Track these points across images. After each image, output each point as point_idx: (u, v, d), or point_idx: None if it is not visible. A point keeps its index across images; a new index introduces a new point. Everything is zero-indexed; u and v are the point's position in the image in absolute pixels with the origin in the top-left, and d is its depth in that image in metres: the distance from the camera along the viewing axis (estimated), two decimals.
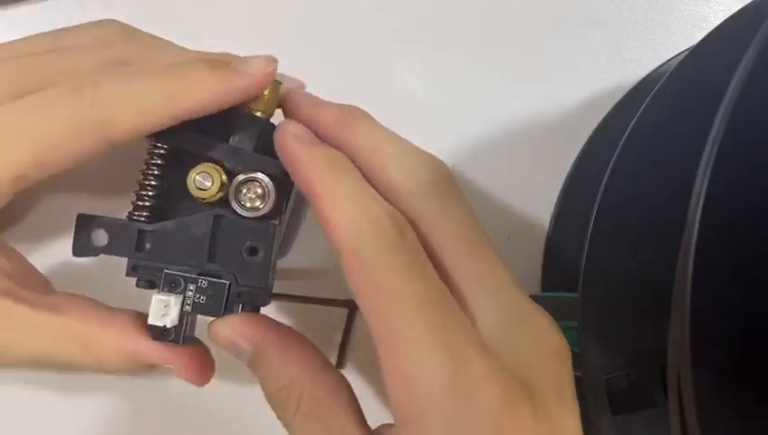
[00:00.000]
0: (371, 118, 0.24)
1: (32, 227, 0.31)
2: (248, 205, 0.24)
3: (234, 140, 0.24)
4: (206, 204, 0.24)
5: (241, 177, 0.24)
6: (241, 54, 0.26)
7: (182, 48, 0.26)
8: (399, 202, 0.22)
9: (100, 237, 0.24)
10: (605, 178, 0.26)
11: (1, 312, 0.24)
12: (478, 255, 0.22)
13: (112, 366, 0.25)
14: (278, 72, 0.25)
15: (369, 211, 0.21)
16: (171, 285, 0.24)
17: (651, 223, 0.23)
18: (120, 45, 0.24)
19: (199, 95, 0.22)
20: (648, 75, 0.33)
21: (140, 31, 0.26)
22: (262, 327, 0.23)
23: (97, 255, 0.25)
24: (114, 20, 0.26)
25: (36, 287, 0.25)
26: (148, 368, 0.25)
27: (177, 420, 0.31)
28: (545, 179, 0.33)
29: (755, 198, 0.16)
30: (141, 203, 0.24)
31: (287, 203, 0.25)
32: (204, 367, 0.25)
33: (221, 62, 0.23)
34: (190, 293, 0.24)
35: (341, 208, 0.21)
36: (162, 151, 0.24)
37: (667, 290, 0.17)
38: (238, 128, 0.24)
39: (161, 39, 0.26)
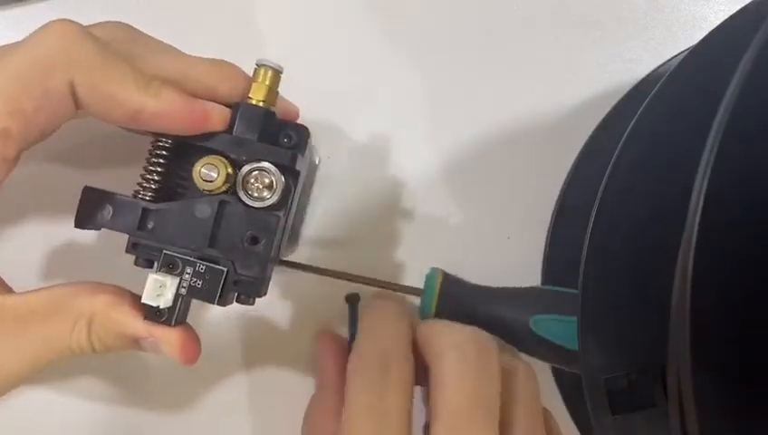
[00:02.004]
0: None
1: (30, 207, 0.31)
2: (256, 194, 0.24)
3: (237, 131, 0.24)
4: (211, 195, 0.24)
5: (248, 167, 0.24)
6: (236, 56, 0.26)
7: (183, 53, 0.26)
8: None
9: (104, 212, 0.24)
10: (605, 177, 0.26)
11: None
12: None
13: (106, 345, 0.25)
14: (271, 61, 0.25)
15: None
16: (169, 266, 0.24)
17: (651, 223, 0.23)
18: (122, 45, 0.24)
19: (155, 100, 0.23)
20: (648, 75, 0.33)
21: (145, 34, 0.26)
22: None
23: (99, 229, 0.25)
24: (120, 22, 0.26)
25: None
26: (132, 344, 0.25)
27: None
28: (545, 179, 0.33)
29: (755, 198, 0.16)
30: (147, 185, 0.25)
31: (293, 198, 0.25)
32: (189, 347, 0.25)
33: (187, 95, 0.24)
34: (187, 276, 0.24)
35: None
36: (166, 144, 0.25)
37: (667, 290, 0.17)
38: (241, 118, 0.24)
39: (165, 43, 0.26)
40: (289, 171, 0.24)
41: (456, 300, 0.29)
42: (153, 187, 0.25)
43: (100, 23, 0.25)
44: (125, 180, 0.26)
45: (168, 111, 0.23)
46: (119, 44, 0.24)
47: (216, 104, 0.24)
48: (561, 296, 0.28)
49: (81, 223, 0.25)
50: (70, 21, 0.23)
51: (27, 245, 0.31)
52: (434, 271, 0.29)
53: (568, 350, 0.27)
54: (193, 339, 0.25)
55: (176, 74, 0.25)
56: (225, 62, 0.26)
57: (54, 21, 0.23)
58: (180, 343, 0.24)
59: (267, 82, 0.25)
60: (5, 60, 0.22)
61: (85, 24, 0.24)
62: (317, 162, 0.30)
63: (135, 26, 0.26)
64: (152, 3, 0.32)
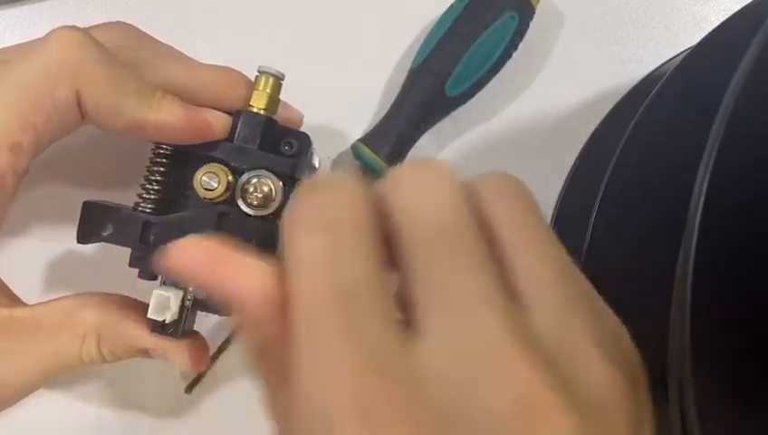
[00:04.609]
0: None
1: (34, 218, 0.31)
2: (255, 203, 0.24)
3: (238, 139, 0.24)
4: (212, 203, 0.24)
5: (247, 175, 0.24)
6: (237, 57, 0.26)
7: (189, 58, 0.26)
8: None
9: (106, 227, 0.24)
10: (605, 177, 0.26)
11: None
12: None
13: (115, 356, 0.25)
14: (272, 68, 0.25)
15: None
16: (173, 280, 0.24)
17: (651, 223, 0.23)
18: (128, 49, 0.24)
19: (158, 113, 0.23)
20: (648, 75, 0.33)
21: (149, 36, 0.26)
22: None
23: (100, 242, 0.25)
24: (123, 22, 0.26)
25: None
26: (141, 354, 0.25)
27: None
28: (545, 179, 0.33)
29: (755, 198, 0.16)
30: (147, 196, 0.25)
31: None
32: (198, 356, 0.25)
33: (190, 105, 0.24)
34: (191, 288, 0.24)
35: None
36: (167, 152, 0.25)
37: (667, 290, 0.17)
38: (242, 126, 0.24)
39: (168, 46, 0.26)
40: (289, 178, 0.24)
41: (391, 144, 0.30)
42: (153, 197, 0.25)
43: (106, 24, 0.25)
44: (127, 186, 0.26)
45: (170, 122, 0.23)
46: (124, 49, 0.24)
47: (217, 113, 0.24)
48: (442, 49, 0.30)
49: (82, 238, 0.25)
50: (74, 28, 0.23)
51: (29, 255, 0.31)
52: (355, 147, 0.31)
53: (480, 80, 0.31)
54: (200, 347, 0.25)
55: (182, 80, 0.25)
56: (231, 69, 0.26)
57: (59, 29, 0.23)
58: (188, 354, 0.24)
59: (268, 90, 0.25)
60: (13, 71, 0.22)
61: (87, 24, 0.24)
62: (317, 165, 0.31)
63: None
64: (152, 3, 0.32)
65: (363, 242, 0.16)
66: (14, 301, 0.25)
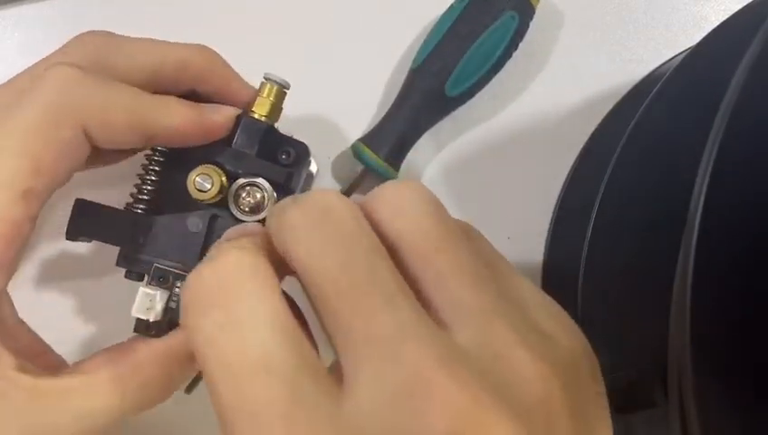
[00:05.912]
0: None
1: None
2: (246, 209, 0.24)
3: (237, 144, 0.24)
4: (204, 204, 0.24)
5: (241, 181, 0.24)
6: (238, 57, 0.26)
7: (155, 40, 0.25)
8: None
9: (96, 225, 0.24)
10: (605, 177, 0.26)
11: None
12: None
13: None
14: (278, 76, 0.25)
15: None
16: (159, 280, 0.24)
17: (651, 223, 0.23)
18: (103, 57, 0.24)
19: (169, 119, 0.23)
20: (648, 75, 0.33)
21: (116, 36, 0.25)
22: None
23: (89, 241, 0.24)
24: (90, 32, 0.25)
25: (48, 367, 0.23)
26: None
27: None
28: (545, 179, 0.33)
29: (755, 198, 0.16)
30: (140, 196, 0.24)
31: None
32: None
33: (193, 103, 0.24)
34: (177, 289, 0.24)
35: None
36: (163, 150, 0.25)
37: (667, 290, 0.17)
38: (242, 132, 0.24)
39: (137, 38, 0.25)
40: (284, 188, 0.24)
41: (391, 144, 0.30)
42: (146, 197, 0.24)
43: (75, 40, 0.25)
44: (127, 185, 0.26)
45: (179, 128, 0.23)
46: (100, 59, 0.24)
47: (222, 111, 0.24)
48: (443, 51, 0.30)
49: (72, 235, 0.24)
50: (66, 65, 0.23)
51: (28, 255, 0.31)
52: (355, 146, 0.31)
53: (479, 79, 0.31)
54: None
55: (154, 67, 0.24)
56: (203, 46, 0.25)
57: (53, 69, 0.22)
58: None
59: (272, 98, 0.25)
60: (15, 116, 0.22)
61: (86, 23, 0.24)
62: (314, 172, 0.31)
63: (131, 24, 0.26)
64: (152, 3, 0.32)
65: (261, 308, 0.16)
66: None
